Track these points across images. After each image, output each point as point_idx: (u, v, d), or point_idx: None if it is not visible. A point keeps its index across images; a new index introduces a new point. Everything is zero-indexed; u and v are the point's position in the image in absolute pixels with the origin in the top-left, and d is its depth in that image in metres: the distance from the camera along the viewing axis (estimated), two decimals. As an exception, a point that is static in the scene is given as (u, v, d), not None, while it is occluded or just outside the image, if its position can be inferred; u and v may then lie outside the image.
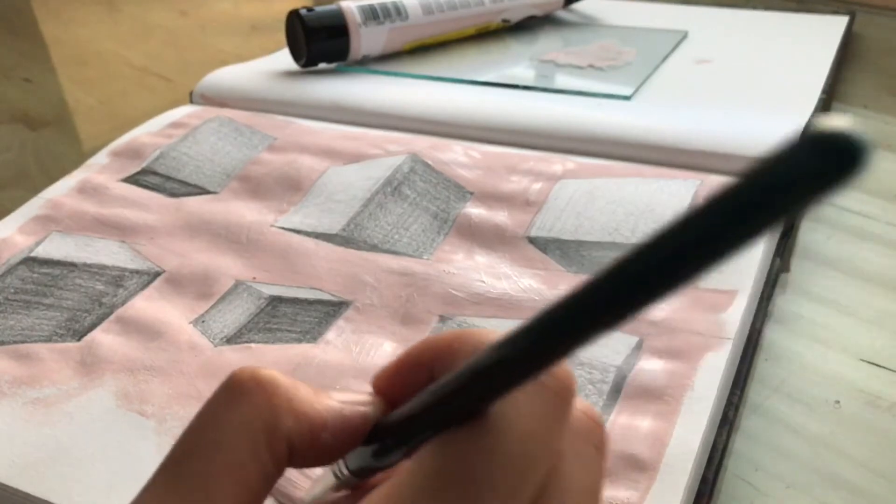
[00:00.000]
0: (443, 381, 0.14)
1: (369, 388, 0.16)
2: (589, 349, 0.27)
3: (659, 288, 0.09)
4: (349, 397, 0.16)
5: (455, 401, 0.13)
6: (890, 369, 0.30)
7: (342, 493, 0.17)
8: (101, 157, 0.42)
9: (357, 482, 0.16)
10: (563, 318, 0.10)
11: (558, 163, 0.38)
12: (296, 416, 0.15)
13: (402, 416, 0.15)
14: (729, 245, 0.08)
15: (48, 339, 0.29)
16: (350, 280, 0.31)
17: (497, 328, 0.28)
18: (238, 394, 0.15)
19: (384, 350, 0.28)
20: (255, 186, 0.38)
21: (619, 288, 0.09)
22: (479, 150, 0.40)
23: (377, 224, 0.35)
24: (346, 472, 0.16)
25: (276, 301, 0.30)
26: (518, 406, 0.13)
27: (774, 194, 0.08)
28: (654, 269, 0.09)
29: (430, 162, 0.38)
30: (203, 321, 0.30)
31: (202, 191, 0.38)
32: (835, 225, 0.38)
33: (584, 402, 0.15)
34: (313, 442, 0.15)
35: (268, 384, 0.15)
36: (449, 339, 0.15)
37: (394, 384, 0.16)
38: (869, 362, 0.30)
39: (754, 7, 0.64)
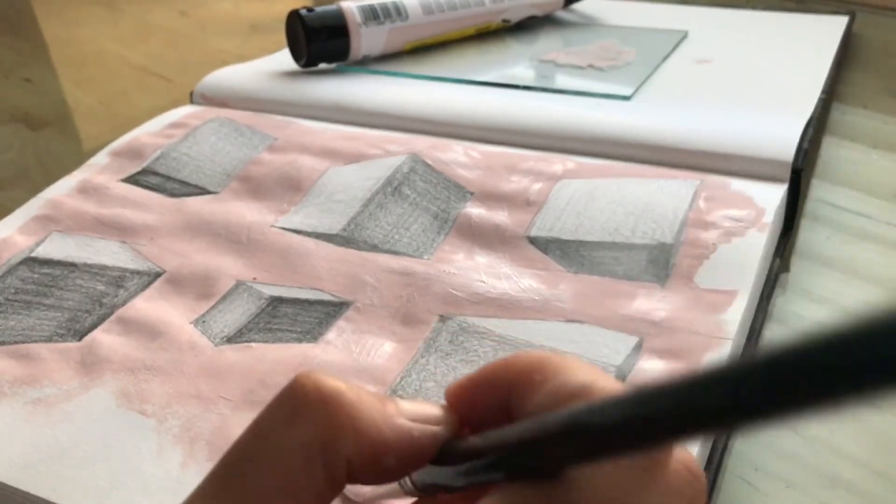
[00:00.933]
0: (529, 426, 0.12)
1: (442, 401, 0.15)
2: (588, 349, 0.27)
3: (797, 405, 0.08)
4: (420, 411, 0.15)
5: (537, 453, 0.12)
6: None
7: (408, 501, 0.16)
8: (102, 157, 0.42)
9: (421, 496, 0.16)
10: (689, 406, 0.09)
11: (558, 163, 0.38)
12: (357, 437, 0.14)
13: (478, 448, 0.14)
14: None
15: (49, 339, 0.29)
16: (350, 280, 0.31)
17: (497, 328, 0.28)
18: (299, 407, 0.14)
19: (384, 350, 0.28)
20: (255, 186, 0.38)
21: (762, 392, 0.08)
22: (479, 150, 0.40)
23: (377, 224, 0.35)
24: (410, 484, 0.16)
25: (276, 301, 0.30)
26: (602, 474, 0.12)
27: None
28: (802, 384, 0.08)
29: (430, 162, 0.38)
30: (203, 321, 0.30)
31: (202, 191, 0.38)
32: (835, 225, 0.38)
33: (685, 452, 0.13)
34: (375, 464, 0.14)
35: (331, 399, 0.14)
36: (529, 367, 0.14)
37: (467, 400, 0.15)
38: (869, 362, 0.30)
39: (754, 7, 0.64)
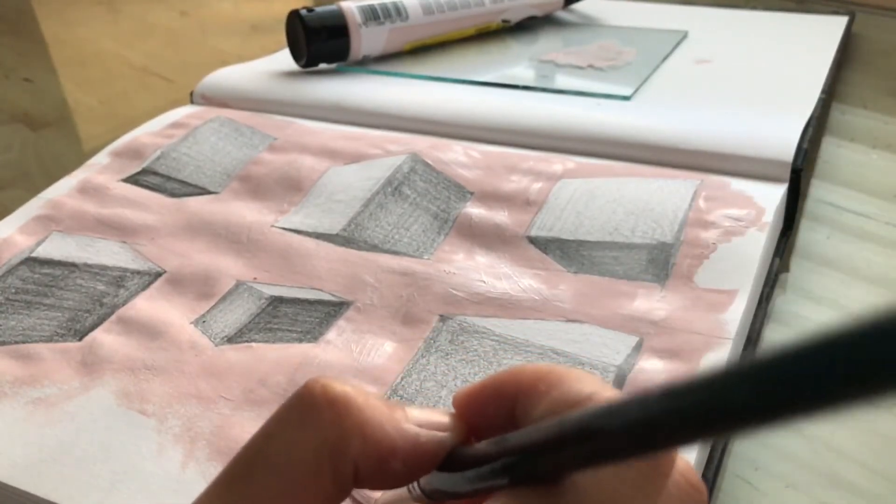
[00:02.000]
0: (533, 430, 0.13)
1: (450, 408, 0.16)
2: (588, 348, 0.27)
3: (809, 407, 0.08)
4: (427, 418, 0.15)
5: (542, 458, 0.12)
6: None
7: None
8: (102, 157, 0.42)
9: (429, 502, 0.16)
10: (690, 411, 0.09)
11: (558, 163, 0.38)
12: (364, 441, 0.14)
13: (484, 454, 0.14)
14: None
15: (49, 339, 0.29)
16: (350, 280, 0.31)
17: (497, 328, 0.28)
18: (308, 411, 0.14)
19: (385, 350, 0.28)
20: (255, 186, 0.38)
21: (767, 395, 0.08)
22: (479, 150, 0.40)
23: (378, 224, 0.35)
24: (418, 490, 0.16)
25: (276, 301, 0.31)
26: (604, 480, 0.12)
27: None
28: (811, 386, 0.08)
29: (430, 162, 0.38)
30: (204, 321, 0.30)
31: (203, 191, 0.38)
32: (835, 225, 0.38)
33: (685, 462, 0.13)
34: (381, 468, 0.14)
35: (339, 403, 0.14)
36: (534, 377, 0.14)
37: (474, 407, 0.16)
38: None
39: (754, 7, 0.64)
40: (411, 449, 0.14)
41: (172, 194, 0.38)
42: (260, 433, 0.14)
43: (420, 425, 0.15)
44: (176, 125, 0.44)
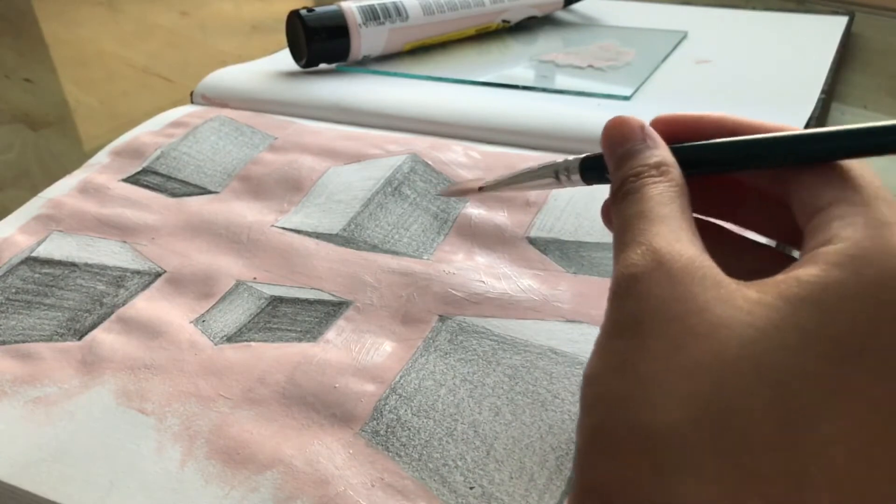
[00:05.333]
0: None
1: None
2: (588, 349, 0.27)
3: None
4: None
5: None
6: None
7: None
8: (102, 157, 0.42)
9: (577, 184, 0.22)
10: None
11: (558, 163, 0.38)
12: None
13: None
14: None
15: (49, 339, 0.29)
16: (350, 280, 0.31)
17: (497, 328, 0.28)
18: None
19: (384, 349, 0.28)
20: (255, 186, 0.38)
21: None
22: (479, 151, 0.40)
23: (377, 224, 0.35)
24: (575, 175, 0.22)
25: (276, 301, 0.31)
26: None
27: None
28: None
29: (430, 162, 0.38)
30: (204, 321, 0.30)
31: (203, 190, 0.38)
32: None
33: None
34: None
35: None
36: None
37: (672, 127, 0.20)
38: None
39: (754, 7, 0.64)
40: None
41: (173, 194, 0.38)
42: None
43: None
44: (176, 124, 0.44)
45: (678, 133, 0.20)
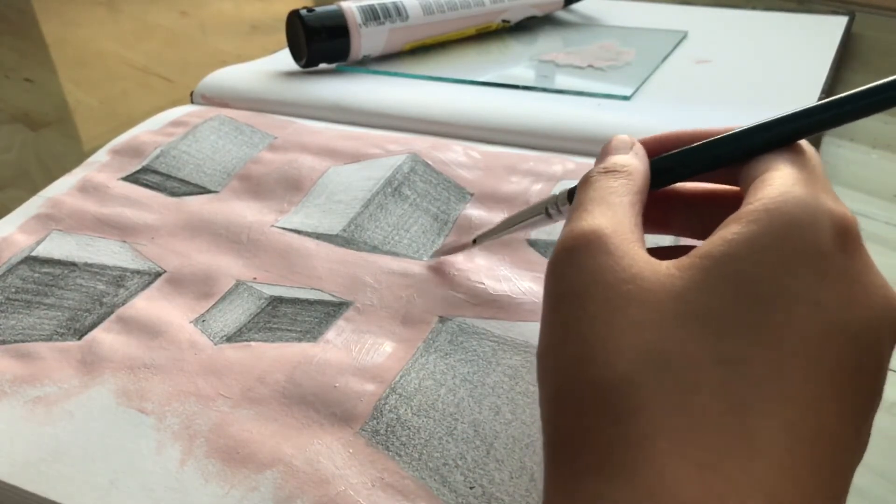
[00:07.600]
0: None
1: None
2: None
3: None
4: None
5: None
6: (890, 369, 0.30)
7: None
8: (102, 155, 0.42)
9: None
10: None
11: (558, 163, 0.38)
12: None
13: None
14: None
15: (49, 338, 0.29)
16: (350, 280, 0.31)
17: (496, 329, 0.28)
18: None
19: (384, 349, 0.28)
20: (255, 186, 0.38)
21: None
22: (479, 151, 0.40)
23: (378, 225, 0.35)
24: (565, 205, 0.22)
25: (276, 301, 0.31)
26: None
27: None
28: None
29: (430, 162, 0.38)
30: (203, 320, 0.30)
31: (203, 190, 0.38)
32: (834, 225, 0.38)
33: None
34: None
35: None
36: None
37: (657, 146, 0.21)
38: (868, 362, 0.30)
39: (754, 7, 0.64)
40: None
41: (172, 193, 0.38)
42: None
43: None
44: (176, 123, 0.44)
45: (663, 150, 0.22)
